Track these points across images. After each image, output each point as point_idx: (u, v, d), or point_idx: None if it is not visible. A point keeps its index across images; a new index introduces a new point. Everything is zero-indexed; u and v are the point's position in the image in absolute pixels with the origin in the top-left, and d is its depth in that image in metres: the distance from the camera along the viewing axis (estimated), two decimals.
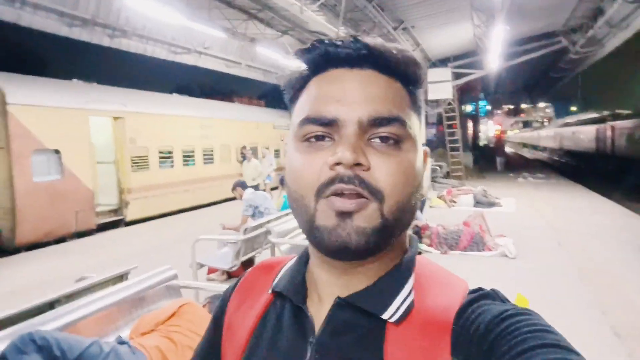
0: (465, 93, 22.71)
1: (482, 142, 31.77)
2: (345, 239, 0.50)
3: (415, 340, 0.51)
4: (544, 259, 6.11)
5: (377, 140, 0.53)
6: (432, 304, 0.54)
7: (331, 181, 0.51)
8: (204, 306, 2.85)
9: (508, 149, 52.12)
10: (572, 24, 15.28)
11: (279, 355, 0.57)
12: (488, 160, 22.81)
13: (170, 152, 12.04)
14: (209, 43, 12.72)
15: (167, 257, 6.03)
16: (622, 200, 12.14)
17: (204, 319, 2.57)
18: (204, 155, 13.48)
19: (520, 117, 79.10)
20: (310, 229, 0.53)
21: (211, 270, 5.59)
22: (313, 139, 0.54)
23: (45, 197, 8.33)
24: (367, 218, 0.51)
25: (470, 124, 25.78)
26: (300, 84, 0.59)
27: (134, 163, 10.66)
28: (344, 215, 0.50)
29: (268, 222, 5.02)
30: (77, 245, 8.37)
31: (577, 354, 0.43)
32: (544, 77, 37.28)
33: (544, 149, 42.74)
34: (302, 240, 4.64)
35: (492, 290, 0.56)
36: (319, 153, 0.53)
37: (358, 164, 0.50)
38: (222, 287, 3.31)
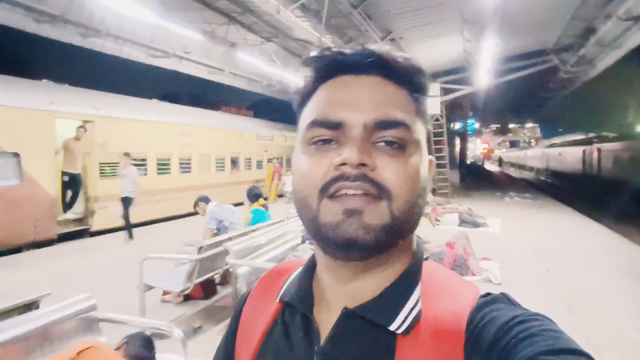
0: (453, 110, 22.57)
1: (469, 160, 31.72)
2: (352, 234, 0.49)
3: (427, 351, 0.50)
4: (530, 286, 5.64)
5: (382, 143, 0.52)
6: (441, 312, 0.52)
7: (336, 179, 0.50)
8: (117, 349, 2.29)
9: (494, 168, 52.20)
10: (564, 43, 15.08)
11: None
12: (475, 178, 22.58)
13: (143, 160, 11.46)
14: (190, 48, 12.21)
15: (125, 274, 5.49)
16: (609, 223, 11.83)
17: None
18: (181, 163, 12.90)
19: (507, 136, 79.98)
20: (315, 228, 0.52)
21: (166, 292, 5.04)
22: (320, 142, 0.53)
23: None
24: (376, 215, 0.50)
25: (457, 141, 25.67)
26: (309, 89, 0.58)
27: (102, 170, 10.06)
28: (352, 211, 0.49)
29: (229, 239, 4.46)
30: (31, 256, 7.71)
31: (591, 358, 0.42)
32: (532, 96, 37.49)
33: (531, 168, 42.88)
34: (263, 262, 4.10)
35: (502, 293, 0.54)
36: (325, 155, 0.52)
37: (363, 165, 0.50)
38: (151, 322, 2.75)
